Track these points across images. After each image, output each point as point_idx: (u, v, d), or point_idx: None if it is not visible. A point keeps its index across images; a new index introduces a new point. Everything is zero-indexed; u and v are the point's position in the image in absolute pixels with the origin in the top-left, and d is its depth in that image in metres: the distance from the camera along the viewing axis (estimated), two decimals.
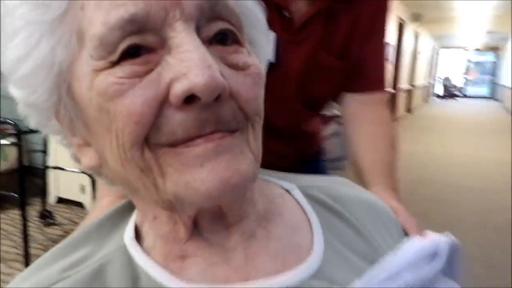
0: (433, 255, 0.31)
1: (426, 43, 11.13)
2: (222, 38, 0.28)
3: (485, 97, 14.96)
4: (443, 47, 15.02)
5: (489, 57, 15.06)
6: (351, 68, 0.70)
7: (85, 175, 2.21)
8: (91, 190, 2.28)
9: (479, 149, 5.23)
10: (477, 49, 14.51)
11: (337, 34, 0.68)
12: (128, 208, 0.37)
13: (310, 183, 0.39)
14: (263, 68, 0.31)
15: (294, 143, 0.79)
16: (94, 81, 0.26)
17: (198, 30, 0.27)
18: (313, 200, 0.36)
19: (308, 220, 0.34)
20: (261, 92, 0.30)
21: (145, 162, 0.27)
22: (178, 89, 0.25)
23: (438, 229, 0.35)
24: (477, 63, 16.23)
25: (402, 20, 7.06)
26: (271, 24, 0.35)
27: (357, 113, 0.70)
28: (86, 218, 0.52)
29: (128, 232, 0.34)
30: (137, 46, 0.26)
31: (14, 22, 0.28)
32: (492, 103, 13.43)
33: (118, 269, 0.31)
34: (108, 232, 0.35)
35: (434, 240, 0.32)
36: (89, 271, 0.31)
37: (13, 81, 0.30)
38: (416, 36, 8.92)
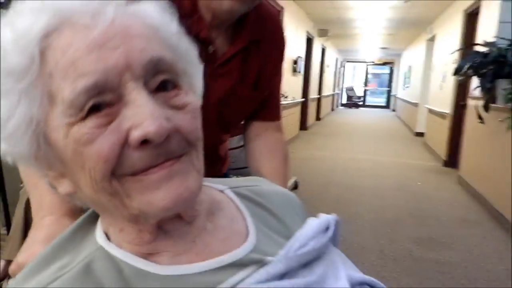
0: (326, 228, 0.44)
1: (333, 57, 12.07)
2: (164, 86, 0.36)
3: (382, 106, 16.62)
4: (347, 61, 16.43)
5: (385, 70, 16.81)
6: (262, 97, 0.88)
7: None
8: None
9: (377, 154, 5.88)
10: (375, 63, 16.11)
11: (252, 69, 0.83)
12: (89, 222, 0.43)
13: (237, 184, 0.50)
14: (198, 100, 0.40)
15: (213, 165, 0.93)
16: (69, 132, 0.34)
17: (146, 84, 0.35)
18: (242, 196, 0.47)
19: (241, 212, 0.45)
20: (199, 122, 0.38)
21: (113, 188, 0.35)
22: (136, 136, 0.33)
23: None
24: (375, 75, 17.99)
25: (311, 35, 7.62)
26: (199, 57, 0.44)
27: (260, 135, 0.91)
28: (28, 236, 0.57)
29: (100, 237, 0.40)
30: (100, 104, 0.33)
31: None
32: (388, 112, 14.98)
33: (103, 264, 0.37)
34: (80, 241, 0.41)
35: (326, 218, 0.45)
36: (78, 269, 0.37)
37: (2, 139, 0.36)
38: (323, 50, 9.65)
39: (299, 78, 6.93)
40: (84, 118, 0.33)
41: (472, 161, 3.85)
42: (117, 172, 0.34)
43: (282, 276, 0.38)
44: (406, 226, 2.93)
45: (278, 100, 0.95)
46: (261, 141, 0.91)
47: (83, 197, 0.38)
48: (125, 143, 0.33)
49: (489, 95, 2.75)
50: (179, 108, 0.36)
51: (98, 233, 0.41)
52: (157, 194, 0.34)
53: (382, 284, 0.42)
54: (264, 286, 0.36)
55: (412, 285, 2.10)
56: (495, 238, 2.78)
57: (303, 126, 7.76)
